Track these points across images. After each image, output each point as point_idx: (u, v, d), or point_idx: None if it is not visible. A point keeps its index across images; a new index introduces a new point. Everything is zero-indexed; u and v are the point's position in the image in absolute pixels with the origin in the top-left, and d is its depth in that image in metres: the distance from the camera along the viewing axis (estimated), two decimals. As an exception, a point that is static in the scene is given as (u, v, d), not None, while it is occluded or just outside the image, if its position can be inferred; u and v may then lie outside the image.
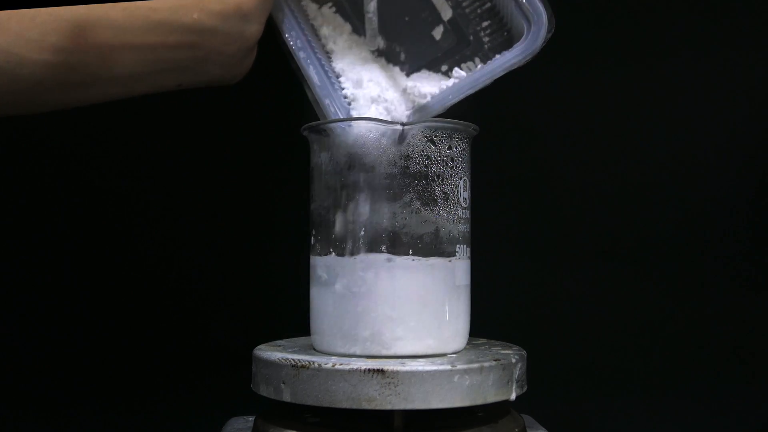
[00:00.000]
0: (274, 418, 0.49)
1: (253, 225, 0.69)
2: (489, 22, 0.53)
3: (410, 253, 0.48)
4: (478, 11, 0.53)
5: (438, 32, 0.53)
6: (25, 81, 0.43)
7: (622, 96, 0.70)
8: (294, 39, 0.51)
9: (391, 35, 0.53)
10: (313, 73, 0.51)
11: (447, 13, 0.53)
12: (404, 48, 0.53)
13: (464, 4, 0.53)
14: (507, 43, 0.52)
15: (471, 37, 0.53)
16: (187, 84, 0.49)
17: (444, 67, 0.53)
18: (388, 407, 0.44)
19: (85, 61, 0.44)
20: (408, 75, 0.53)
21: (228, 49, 0.47)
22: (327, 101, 0.51)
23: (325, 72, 0.52)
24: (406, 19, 0.53)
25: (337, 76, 0.52)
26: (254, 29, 0.48)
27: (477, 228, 0.52)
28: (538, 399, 0.54)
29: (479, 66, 0.51)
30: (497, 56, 0.50)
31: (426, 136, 0.48)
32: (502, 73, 0.50)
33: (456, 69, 0.52)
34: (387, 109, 0.50)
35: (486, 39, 0.53)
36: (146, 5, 0.45)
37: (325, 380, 0.45)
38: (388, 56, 0.53)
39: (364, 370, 0.44)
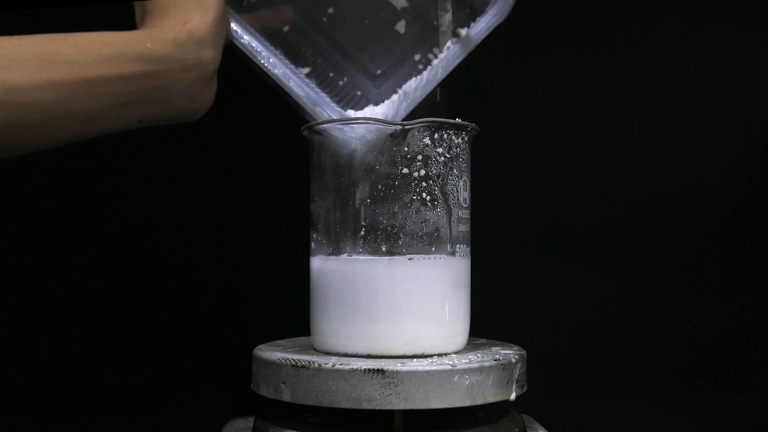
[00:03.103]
0: (274, 418, 0.49)
1: (253, 225, 0.69)
2: (449, 2, 0.52)
3: (410, 253, 0.48)
4: None
5: (401, 26, 0.53)
6: None
7: (622, 96, 0.70)
8: (266, 59, 0.51)
9: (356, 41, 0.54)
10: (295, 87, 0.51)
11: (402, 3, 0.53)
12: (373, 50, 0.53)
13: None
14: (472, 15, 0.52)
15: (435, 22, 0.53)
16: (150, 119, 0.48)
17: (417, 56, 0.53)
18: (388, 407, 0.44)
19: (40, 99, 0.43)
20: (380, 77, 0.53)
21: (187, 77, 0.46)
22: (318, 109, 0.51)
23: (305, 82, 0.52)
24: (366, 22, 0.53)
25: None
26: (210, 54, 0.47)
27: (477, 228, 0.52)
28: (538, 399, 0.54)
29: (463, 31, 0.51)
30: (473, 24, 0.51)
31: (426, 136, 0.48)
32: (483, 36, 0.50)
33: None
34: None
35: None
36: (97, 39, 0.45)
37: (325, 380, 0.45)
38: (356, 66, 0.54)
39: (364, 370, 0.44)
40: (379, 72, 0.53)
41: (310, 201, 0.52)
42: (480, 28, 0.51)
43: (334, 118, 0.51)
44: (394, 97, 0.52)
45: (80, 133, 0.46)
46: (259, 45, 0.52)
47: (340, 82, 0.53)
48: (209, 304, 0.68)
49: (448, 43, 0.52)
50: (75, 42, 0.44)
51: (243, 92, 0.66)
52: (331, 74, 0.54)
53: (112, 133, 0.49)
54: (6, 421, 0.67)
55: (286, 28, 0.54)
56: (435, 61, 0.51)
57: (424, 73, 0.51)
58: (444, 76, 0.52)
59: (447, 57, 0.51)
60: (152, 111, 0.47)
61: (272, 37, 0.53)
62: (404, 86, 0.52)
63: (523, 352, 0.51)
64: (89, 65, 0.44)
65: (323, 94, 0.52)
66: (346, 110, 0.53)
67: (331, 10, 0.53)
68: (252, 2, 0.54)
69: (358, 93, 0.53)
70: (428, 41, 0.53)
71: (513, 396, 0.48)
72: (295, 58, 0.53)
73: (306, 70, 0.54)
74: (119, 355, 0.68)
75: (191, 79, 0.47)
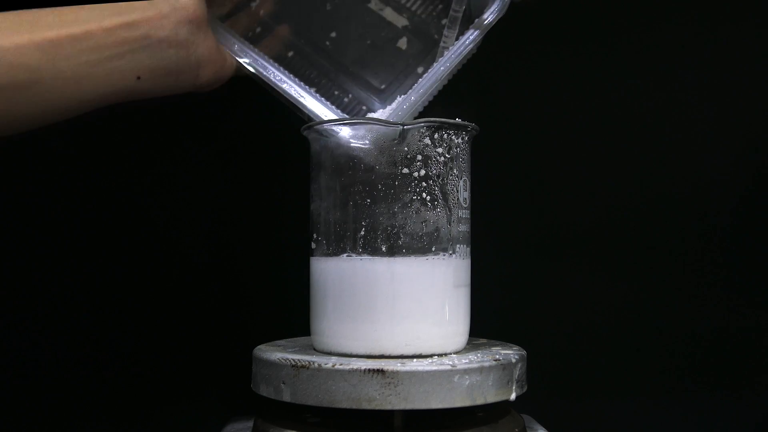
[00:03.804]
0: (274, 418, 0.49)
1: (253, 225, 0.69)
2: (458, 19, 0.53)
3: (410, 253, 0.48)
4: (434, 13, 0.55)
5: (403, 43, 0.54)
6: None
7: (622, 96, 0.70)
8: (267, 72, 0.53)
9: (359, 61, 0.55)
10: (297, 95, 0.52)
11: (403, 22, 0.54)
12: (375, 67, 0.55)
13: (418, 12, 0.55)
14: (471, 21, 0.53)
15: (436, 36, 0.53)
16: (147, 74, 0.48)
17: (420, 69, 0.54)
18: (388, 407, 0.44)
19: (25, 59, 0.44)
20: (384, 91, 0.54)
21: (167, 23, 0.47)
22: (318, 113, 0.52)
23: (304, 88, 0.53)
24: (368, 42, 0.54)
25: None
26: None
27: (477, 228, 0.52)
28: (538, 399, 0.54)
29: (467, 33, 0.52)
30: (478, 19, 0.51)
31: (426, 137, 0.48)
32: (486, 30, 0.51)
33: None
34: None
35: None
36: (73, 7, 0.47)
37: (325, 380, 0.45)
38: (360, 83, 0.55)
39: (364, 370, 0.44)
40: (383, 87, 0.54)
41: (310, 201, 0.52)
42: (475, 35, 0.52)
43: (334, 117, 0.51)
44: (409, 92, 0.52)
45: (75, 94, 0.46)
46: (261, 61, 0.53)
47: (345, 99, 0.55)
48: (209, 304, 0.68)
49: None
50: (52, 10, 0.46)
51: (243, 92, 0.66)
52: (336, 92, 0.55)
53: (112, 100, 0.48)
54: (6, 421, 0.67)
55: (290, 54, 0.56)
56: (447, 53, 0.52)
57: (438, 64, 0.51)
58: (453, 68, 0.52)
59: (458, 46, 0.51)
60: (144, 63, 0.47)
61: (278, 62, 0.54)
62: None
63: (523, 352, 0.51)
64: (69, 24, 0.45)
65: (324, 99, 0.53)
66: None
67: (333, 34, 0.55)
68: (257, 32, 0.56)
69: (363, 108, 0.55)
70: (430, 54, 0.53)
71: (513, 396, 0.48)
72: (300, 80, 0.54)
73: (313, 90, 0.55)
74: (119, 356, 0.68)
75: (171, 24, 0.47)
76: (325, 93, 0.55)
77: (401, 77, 0.54)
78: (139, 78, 0.47)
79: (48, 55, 0.44)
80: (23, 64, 0.44)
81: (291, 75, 0.53)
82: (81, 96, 0.46)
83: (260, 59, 0.53)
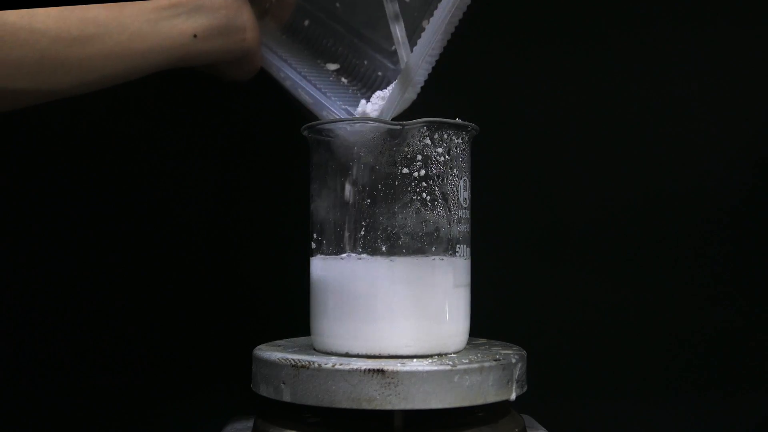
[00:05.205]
0: (274, 418, 0.49)
1: (253, 225, 0.69)
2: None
3: (410, 253, 0.48)
4: None
5: None
6: (42, 35, 0.46)
7: (622, 96, 0.70)
8: (277, 71, 0.56)
9: (369, 21, 0.55)
10: (303, 95, 0.54)
11: None
12: (384, 26, 0.54)
13: None
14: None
15: None
16: (202, 32, 0.52)
17: (425, 23, 0.53)
18: (388, 407, 0.44)
19: (93, 14, 0.49)
20: (395, 53, 0.53)
21: None
22: (324, 113, 0.53)
23: (315, 86, 0.54)
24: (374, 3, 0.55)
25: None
26: None
27: (477, 228, 0.52)
28: (538, 399, 0.54)
29: None
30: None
31: (426, 136, 0.48)
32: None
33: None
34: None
35: None
36: None
37: (325, 380, 0.45)
38: (373, 46, 0.55)
39: (364, 370, 0.44)
40: (393, 48, 0.54)
41: (310, 201, 0.52)
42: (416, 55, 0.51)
43: (335, 117, 0.51)
44: (388, 88, 0.52)
45: (141, 49, 0.51)
46: (274, 57, 0.56)
47: (362, 68, 0.55)
48: (209, 304, 0.68)
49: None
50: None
51: (243, 92, 0.66)
52: (355, 61, 0.56)
53: (172, 62, 0.52)
54: (6, 421, 0.67)
55: (306, 22, 0.58)
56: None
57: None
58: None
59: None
60: (199, 22, 0.52)
61: (296, 33, 0.57)
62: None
63: (523, 352, 0.51)
64: None
65: (332, 96, 0.53)
66: (366, 95, 0.53)
67: None
68: (273, 2, 0.58)
69: (379, 74, 0.54)
70: (432, 5, 0.53)
71: (513, 396, 0.48)
72: (320, 51, 0.56)
73: (335, 66, 0.57)
74: (120, 355, 0.68)
75: None
76: (343, 63, 0.56)
77: (408, 34, 0.54)
78: (195, 36, 0.52)
79: (113, 12, 0.49)
80: (92, 18, 0.49)
81: (301, 72, 0.54)
82: (146, 51, 0.51)
83: (276, 60, 0.55)
